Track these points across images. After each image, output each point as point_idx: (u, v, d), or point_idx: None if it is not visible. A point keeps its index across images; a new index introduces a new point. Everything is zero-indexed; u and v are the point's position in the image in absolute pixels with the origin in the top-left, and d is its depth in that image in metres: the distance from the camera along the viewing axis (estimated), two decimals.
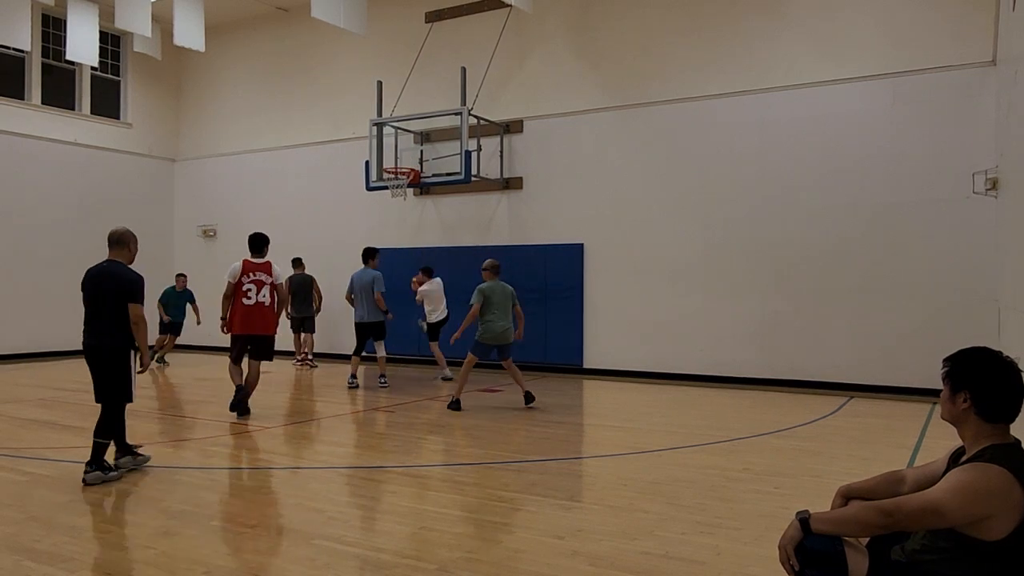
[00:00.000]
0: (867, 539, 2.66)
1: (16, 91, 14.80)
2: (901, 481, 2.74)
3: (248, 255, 8.65)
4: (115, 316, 5.70)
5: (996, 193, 8.98)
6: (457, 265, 13.00)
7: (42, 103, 15.09)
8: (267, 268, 8.48)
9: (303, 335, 13.62)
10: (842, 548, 2.51)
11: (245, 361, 8.60)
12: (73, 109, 15.65)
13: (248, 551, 4.11)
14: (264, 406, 9.38)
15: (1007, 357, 2.49)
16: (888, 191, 10.35)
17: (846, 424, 8.24)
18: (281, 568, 3.86)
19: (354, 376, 11.01)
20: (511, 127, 13.24)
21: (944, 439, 6.62)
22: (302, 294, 13.31)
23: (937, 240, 10.07)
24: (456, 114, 12.09)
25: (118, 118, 16.51)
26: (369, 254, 11.08)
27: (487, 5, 13.17)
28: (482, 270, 9.15)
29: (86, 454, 5.69)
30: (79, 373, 12.52)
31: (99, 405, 5.83)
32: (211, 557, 4.00)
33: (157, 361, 13.22)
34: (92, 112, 15.94)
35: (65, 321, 14.91)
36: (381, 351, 10.92)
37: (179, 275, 14.12)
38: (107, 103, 16.34)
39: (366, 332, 10.84)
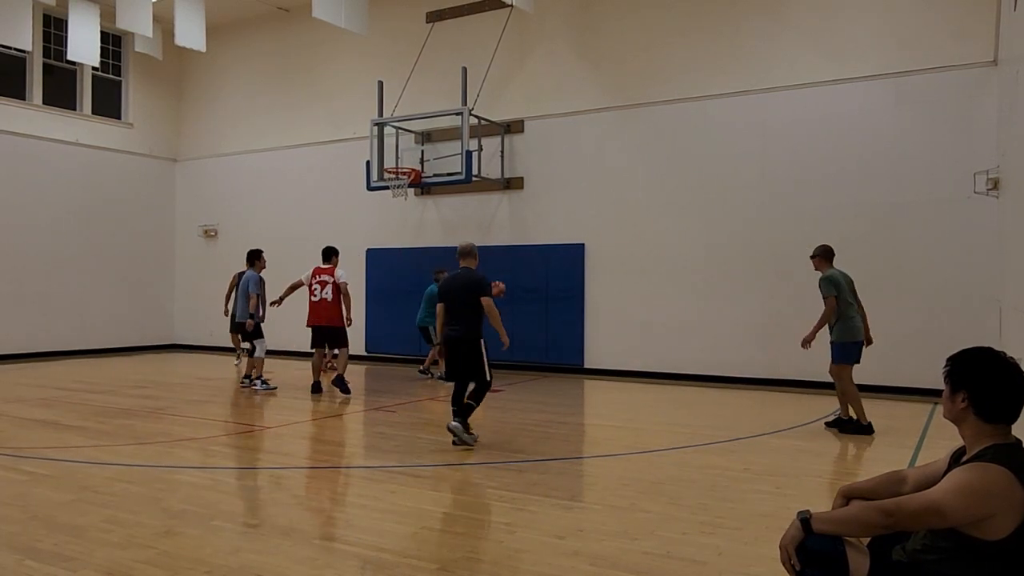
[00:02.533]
0: (868, 539, 2.66)
1: (17, 91, 14.81)
2: (902, 481, 2.74)
3: (320, 263, 10.31)
4: (471, 312, 6.96)
5: (997, 193, 8.98)
6: (457, 265, 12.98)
7: (43, 103, 15.10)
8: (331, 271, 10.10)
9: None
10: (843, 548, 2.51)
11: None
12: (74, 109, 15.66)
13: (249, 551, 4.11)
14: (264, 406, 9.39)
15: (1010, 358, 2.49)
16: (889, 191, 10.35)
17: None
18: (282, 568, 3.86)
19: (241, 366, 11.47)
20: (512, 127, 13.24)
21: (945, 439, 6.61)
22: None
23: (938, 240, 10.06)
24: (457, 114, 12.10)
25: (119, 118, 16.52)
26: (253, 255, 10.91)
27: (488, 5, 13.17)
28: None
29: (86, 454, 5.69)
30: (80, 373, 12.57)
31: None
32: (212, 557, 4.00)
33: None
34: (93, 112, 15.95)
35: (66, 321, 14.99)
36: (259, 351, 10.70)
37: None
38: (108, 103, 16.35)
39: (236, 329, 10.81)
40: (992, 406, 2.45)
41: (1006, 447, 2.43)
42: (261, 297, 10.70)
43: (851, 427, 7.49)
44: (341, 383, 9.99)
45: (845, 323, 7.50)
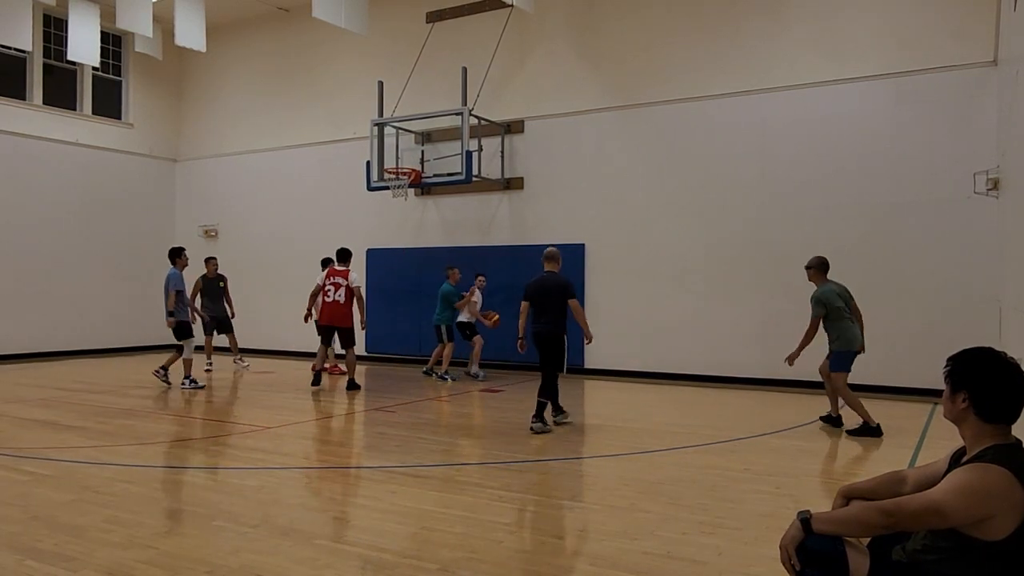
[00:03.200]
0: (868, 539, 2.66)
1: (17, 91, 14.81)
2: (902, 481, 2.74)
3: (336, 265, 10.84)
4: (559, 311, 7.82)
5: (997, 193, 8.98)
6: (458, 265, 12.98)
7: (43, 103, 15.10)
8: (345, 274, 10.55)
9: (220, 336, 13.03)
10: (843, 548, 2.51)
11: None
12: (74, 109, 15.66)
13: (249, 551, 4.12)
14: (264, 406, 9.39)
15: (1010, 358, 2.49)
16: (889, 191, 10.35)
17: (847, 424, 8.23)
18: (282, 568, 3.86)
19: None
20: (512, 127, 13.24)
21: (945, 439, 6.62)
22: (214, 294, 12.85)
23: (938, 240, 10.06)
24: (457, 114, 12.10)
25: (119, 118, 16.52)
26: (174, 253, 10.88)
27: (488, 5, 13.17)
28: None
29: (87, 454, 5.70)
30: (80, 373, 12.57)
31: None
32: (213, 557, 4.01)
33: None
34: (93, 112, 15.96)
35: (66, 321, 14.98)
36: (186, 352, 10.67)
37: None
38: (108, 103, 16.35)
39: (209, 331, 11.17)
40: (992, 406, 2.45)
41: (1006, 447, 2.43)
42: (182, 296, 10.65)
43: (860, 430, 7.52)
44: (351, 385, 10.48)
45: (842, 334, 7.61)
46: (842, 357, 7.62)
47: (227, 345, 13.15)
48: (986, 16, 9.61)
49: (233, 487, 5.68)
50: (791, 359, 7.79)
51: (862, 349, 7.78)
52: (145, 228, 16.68)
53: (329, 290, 10.54)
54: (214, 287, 12.89)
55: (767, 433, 7.60)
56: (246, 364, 13.27)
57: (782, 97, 11.07)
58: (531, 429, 7.57)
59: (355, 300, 10.52)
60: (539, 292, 7.92)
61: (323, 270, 13.12)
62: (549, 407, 7.91)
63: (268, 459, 6.64)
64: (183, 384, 10.59)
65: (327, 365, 12.85)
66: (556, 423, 7.93)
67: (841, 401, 7.78)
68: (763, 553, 4.00)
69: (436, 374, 11.89)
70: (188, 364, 10.67)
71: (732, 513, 4.84)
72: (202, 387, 10.71)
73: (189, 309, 10.92)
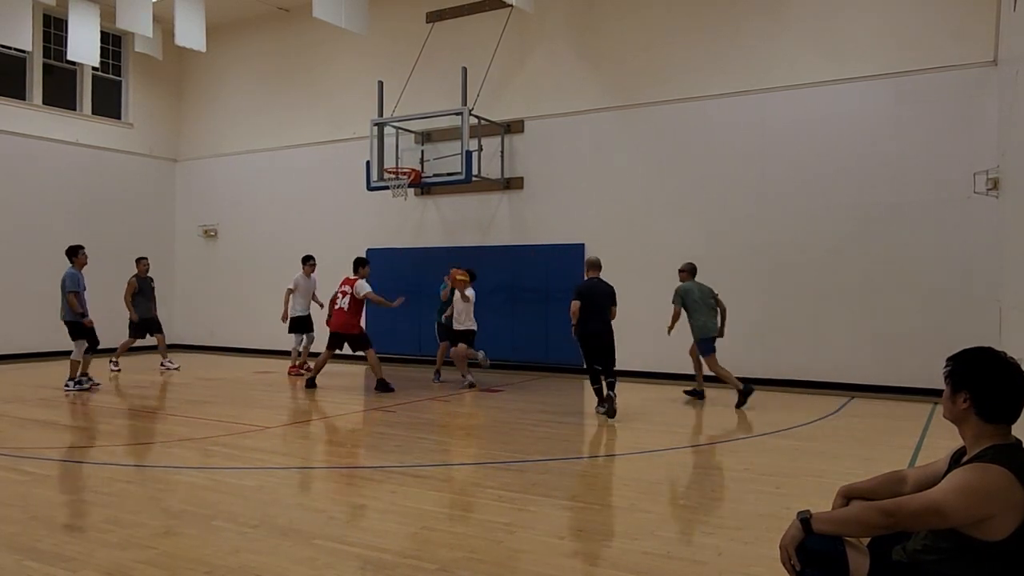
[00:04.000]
0: (868, 539, 2.66)
1: (17, 91, 14.81)
2: (903, 481, 2.74)
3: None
4: (607, 312, 8.71)
5: (997, 193, 8.98)
6: (457, 265, 12.98)
7: (43, 103, 15.10)
8: (353, 283, 10.75)
9: (151, 337, 12.89)
10: (843, 549, 2.51)
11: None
12: (74, 109, 15.66)
13: (249, 551, 4.11)
14: (264, 406, 9.39)
15: (1011, 358, 2.49)
16: (889, 191, 10.35)
17: (847, 424, 8.24)
18: (282, 568, 3.86)
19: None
20: (512, 127, 13.24)
21: (945, 439, 6.61)
22: (149, 293, 12.77)
23: (938, 240, 10.06)
24: (457, 114, 12.10)
25: (119, 118, 16.52)
26: (71, 252, 10.55)
27: (488, 5, 13.17)
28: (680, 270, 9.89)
29: (87, 454, 5.69)
30: None
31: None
32: (212, 557, 4.00)
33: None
34: (93, 112, 15.95)
35: None
36: (76, 353, 10.40)
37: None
38: (108, 103, 16.35)
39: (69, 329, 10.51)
40: (993, 406, 2.45)
41: (1007, 447, 2.43)
42: (79, 296, 10.28)
43: (694, 391, 9.90)
44: (383, 386, 10.51)
45: (696, 324, 9.46)
46: (704, 343, 9.42)
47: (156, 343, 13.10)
48: (986, 16, 9.61)
49: (232, 487, 5.68)
50: (668, 331, 9.69)
51: (719, 334, 9.53)
52: (145, 228, 16.67)
53: (339, 297, 10.85)
54: (148, 287, 12.81)
55: (767, 433, 7.60)
56: (176, 366, 13.08)
57: (782, 97, 11.07)
58: (598, 411, 8.74)
59: (359, 307, 10.72)
60: (592, 295, 8.66)
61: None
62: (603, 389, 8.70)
63: (267, 459, 6.64)
64: (67, 386, 10.33)
65: (292, 364, 12.85)
66: (608, 408, 8.46)
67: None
68: (763, 553, 4.00)
69: (440, 375, 11.86)
70: (76, 366, 10.38)
71: (732, 513, 4.84)
72: (87, 388, 10.40)
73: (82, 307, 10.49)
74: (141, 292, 12.69)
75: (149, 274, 13.01)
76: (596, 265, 8.99)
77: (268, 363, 14.06)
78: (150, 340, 13.19)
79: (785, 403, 9.63)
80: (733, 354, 11.27)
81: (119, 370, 12.67)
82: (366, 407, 9.45)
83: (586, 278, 8.94)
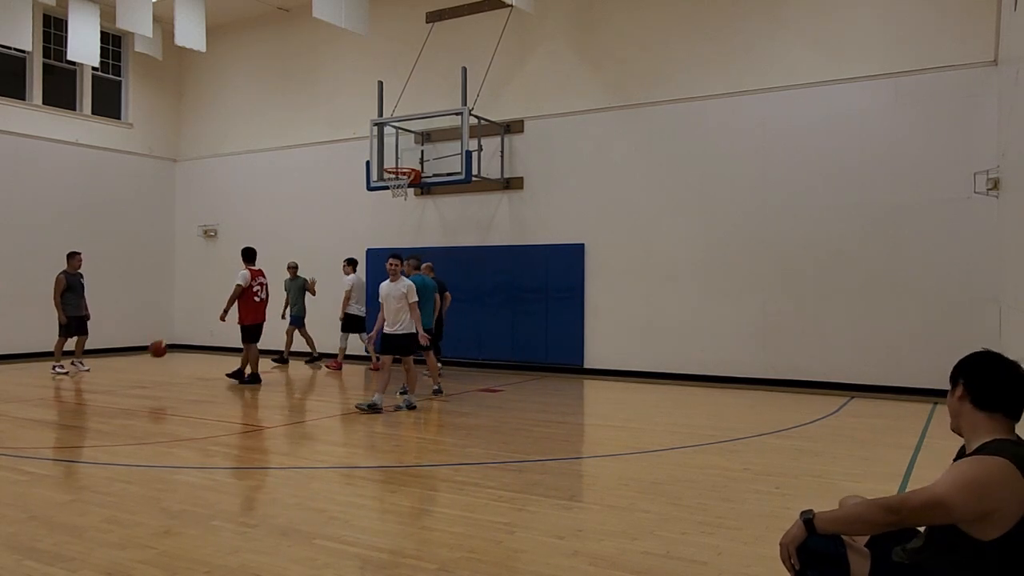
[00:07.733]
0: (867, 540, 2.66)
1: (17, 91, 14.81)
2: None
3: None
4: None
5: (997, 193, 8.98)
6: (458, 265, 13.00)
7: (43, 103, 15.10)
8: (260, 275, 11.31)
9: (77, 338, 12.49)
10: (844, 549, 2.50)
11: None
12: (74, 109, 15.65)
13: (248, 551, 4.11)
14: (264, 406, 9.38)
15: (1011, 359, 2.50)
16: (889, 191, 10.34)
17: (847, 424, 8.23)
18: (281, 568, 3.86)
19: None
20: (512, 127, 13.24)
21: (945, 439, 6.60)
22: (79, 291, 12.34)
23: (938, 240, 10.06)
24: (457, 114, 12.10)
25: (119, 118, 16.51)
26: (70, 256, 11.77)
27: (488, 5, 13.17)
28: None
29: (86, 454, 5.69)
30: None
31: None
32: (212, 557, 4.00)
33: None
34: (93, 112, 15.95)
35: None
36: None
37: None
38: (108, 103, 16.34)
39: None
40: (985, 392, 2.44)
41: (1008, 442, 2.41)
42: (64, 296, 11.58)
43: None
44: (247, 377, 10.98)
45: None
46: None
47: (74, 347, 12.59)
48: (986, 16, 9.61)
49: (233, 487, 5.68)
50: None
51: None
52: (145, 228, 16.68)
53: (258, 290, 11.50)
54: (79, 283, 12.35)
55: (767, 433, 7.60)
56: (86, 368, 12.62)
57: (782, 97, 11.06)
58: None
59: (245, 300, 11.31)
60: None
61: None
62: None
63: (267, 459, 6.64)
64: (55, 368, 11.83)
65: (336, 360, 13.29)
66: None
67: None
68: (763, 553, 4.00)
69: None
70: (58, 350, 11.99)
71: (732, 513, 4.83)
72: (66, 373, 11.86)
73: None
74: (71, 289, 12.15)
75: (80, 271, 12.45)
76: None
77: (268, 363, 14.05)
78: (141, 340, 13.19)
79: (786, 403, 9.63)
80: (734, 354, 11.31)
81: (87, 369, 12.48)
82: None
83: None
